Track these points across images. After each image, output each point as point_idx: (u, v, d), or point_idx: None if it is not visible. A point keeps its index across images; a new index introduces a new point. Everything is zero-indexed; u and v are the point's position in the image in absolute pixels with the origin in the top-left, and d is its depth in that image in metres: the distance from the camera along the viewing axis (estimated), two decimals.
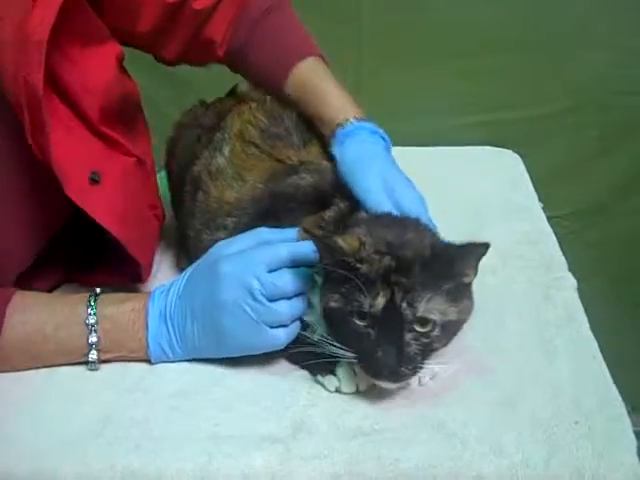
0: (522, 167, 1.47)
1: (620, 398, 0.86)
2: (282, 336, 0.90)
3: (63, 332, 0.93)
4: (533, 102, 1.62)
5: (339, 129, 1.06)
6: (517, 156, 1.51)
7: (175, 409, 0.88)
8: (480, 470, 0.78)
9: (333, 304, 0.87)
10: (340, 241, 0.86)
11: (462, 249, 0.86)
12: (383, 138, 1.07)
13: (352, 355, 0.86)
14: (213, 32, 1.17)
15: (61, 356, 0.94)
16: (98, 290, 0.97)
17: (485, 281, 0.98)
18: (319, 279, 0.92)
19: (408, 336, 0.84)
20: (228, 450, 0.82)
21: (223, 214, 1.05)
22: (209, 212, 1.06)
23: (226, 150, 1.09)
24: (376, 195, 0.98)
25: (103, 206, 0.98)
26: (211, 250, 0.96)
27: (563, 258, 1.15)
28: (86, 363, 0.94)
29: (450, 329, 0.87)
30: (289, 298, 0.90)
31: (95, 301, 0.94)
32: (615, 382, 0.90)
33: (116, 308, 0.94)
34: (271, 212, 1.01)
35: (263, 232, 0.96)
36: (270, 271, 0.90)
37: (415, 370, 0.85)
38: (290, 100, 1.14)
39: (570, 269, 1.14)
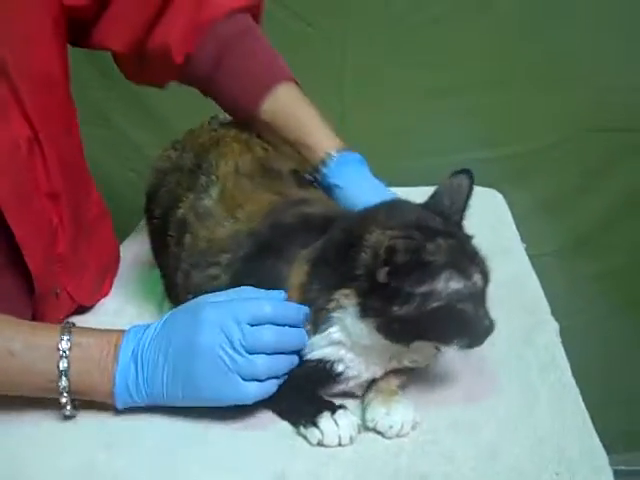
0: (504, 206, 1.48)
1: (602, 448, 0.86)
2: (253, 390, 0.89)
3: (32, 352, 0.92)
4: (514, 140, 1.63)
5: (330, 158, 1.13)
6: (499, 195, 1.52)
7: (155, 466, 0.87)
8: None
9: (436, 304, 0.86)
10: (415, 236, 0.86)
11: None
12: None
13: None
14: (166, 33, 1.16)
15: (26, 377, 0.92)
16: (74, 322, 0.96)
17: None
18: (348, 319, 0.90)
19: None
20: None
21: (215, 251, 1.02)
22: (198, 252, 1.04)
23: (214, 192, 1.07)
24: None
25: None
26: (195, 299, 0.96)
27: (545, 301, 1.16)
28: (58, 402, 0.93)
29: None
30: (269, 354, 0.89)
31: (69, 328, 0.94)
32: (597, 421, 0.90)
33: (91, 338, 0.94)
34: (273, 243, 0.98)
35: (247, 290, 0.95)
36: (252, 324, 0.89)
37: None
38: (264, 126, 1.16)
39: (556, 306, 1.15)
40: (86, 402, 0.95)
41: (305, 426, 0.90)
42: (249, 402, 0.90)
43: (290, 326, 0.91)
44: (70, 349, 0.92)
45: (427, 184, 1.50)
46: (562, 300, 1.18)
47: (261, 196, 1.05)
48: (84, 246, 1.20)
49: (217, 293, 0.96)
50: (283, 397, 0.92)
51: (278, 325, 0.90)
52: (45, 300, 1.11)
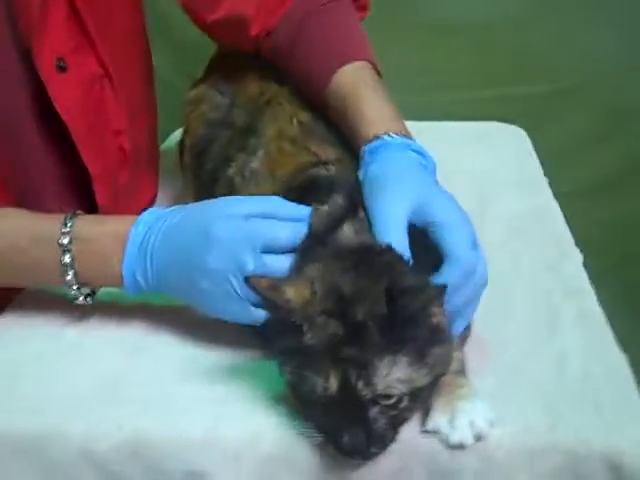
0: (529, 143, 1.47)
1: (628, 368, 0.85)
2: (263, 315, 0.85)
3: (37, 249, 0.92)
4: (541, 78, 1.61)
5: (365, 147, 0.95)
6: (524, 132, 1.51)
7: (182, 373, 0.88)
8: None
9: (289, 377, 0.77)
10: (289, 291, 0.76)
11: (420, 294, 0.74)
12: (421, 154, 0.95)
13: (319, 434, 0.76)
14: (241, 3, 1.12)
15: (39, 273, 0.94)
16: (78, 211, 0.94)
17: (490, 256, 0.98)
18: None
19: (373, 412, 0.73)
20: (237, 412, 0.81)
21: None
22: None
23: (260, 153, 1.05)
24: (387, 222, 0.85)
25: (66, 94, 1.03)
26: (216, 201, 0.92)
27: (569, 233, 1.15)
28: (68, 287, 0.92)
29: (422, 394, 0.76)
30: None
31: (72, 219, 0.92)
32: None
33: (93, 229, 0.92)
34: None
35: (275, 201, 0.90)
36: (266, 251, 0.85)
37: (386, 447, 0.75)
38: (331, 112, 1.05)
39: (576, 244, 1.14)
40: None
41: None
42: (259, 322, 0.86)
43: None
44: (71, 243, 0.90)
45: (454, 119, 1.51)
46: (581, 241, 1.17)
47: (298, 157, 1.01)
48: (139, 182, 1.23)
49: (241, 198, 0.93)
50: None
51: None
52: None
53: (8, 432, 0.81)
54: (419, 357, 0.74)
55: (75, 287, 0.92)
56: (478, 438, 0.76)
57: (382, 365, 0.72)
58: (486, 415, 0.76)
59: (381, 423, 0.74)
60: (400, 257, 0.81)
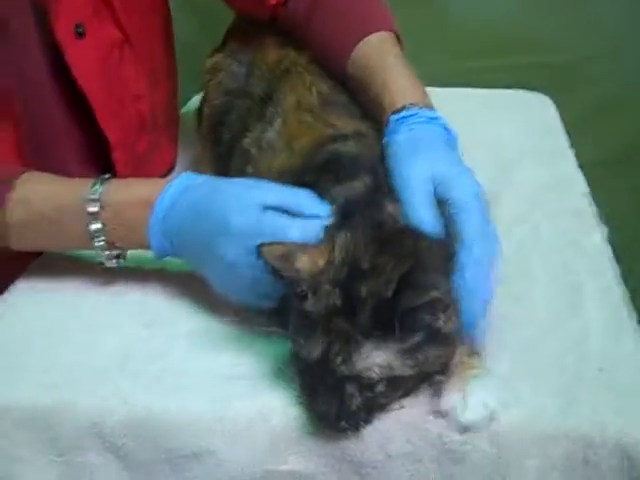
0: (554, 111, 1.43)
1: None
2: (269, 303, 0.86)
3: (65, 218, 0.92)
4: (567, 46, 1.57)
5: (392, 116, 0.93)
6: (549, 100, 1.47)
7: (195, 346, 0.87)
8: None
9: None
10: (301, 259, 0.76)
11: (432, 293, 0.73)
12: (445, 128, 0.94)
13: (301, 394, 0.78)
14: None
15: (68, 240, 0.95)
16: (107, 175, 0.94)
17: (512, 228, 0.96)
18: None
19: (349, 388, 0.73)
20: (246, 389, 0.81)
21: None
22: None
23: (278, 123, 1.03)
24: (414, 190, 0.84)
25: (84, 61, 1.03)
26: (241, 184, 0.90)
27: (594, 205, 1.12)
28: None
29: (403, 384, 0.75)
30: None
31: (101, 185, 0.91)
32: None
33: (121, 197, 0.91)
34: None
35: (301, 196, 0.87)
36: None
37: (357, 426, 0.75)
38: (352, 83, 1.04)
39: (599, 217, 1.11)
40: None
41: None
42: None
43: None
44: (100, 211, 0.90)
45: (476, 85, 1.48)
46: (604, 211, 1.14)
47: (317, 129, 0.99)
48: (158, 147, 1.22)
49: (272, 188, 0.89)
50: None
51: None
52: None
53: (16, 404, 0.81)
54: (408, 350, 0.73)
55: (105, 252, 0.93)
56: (490, 419, 0.75)
57: (365, 346, 0.72)
58: (498, 396, 0.75)
59: (356, 401, 0.74)
60: (432, 248, 0.78)
